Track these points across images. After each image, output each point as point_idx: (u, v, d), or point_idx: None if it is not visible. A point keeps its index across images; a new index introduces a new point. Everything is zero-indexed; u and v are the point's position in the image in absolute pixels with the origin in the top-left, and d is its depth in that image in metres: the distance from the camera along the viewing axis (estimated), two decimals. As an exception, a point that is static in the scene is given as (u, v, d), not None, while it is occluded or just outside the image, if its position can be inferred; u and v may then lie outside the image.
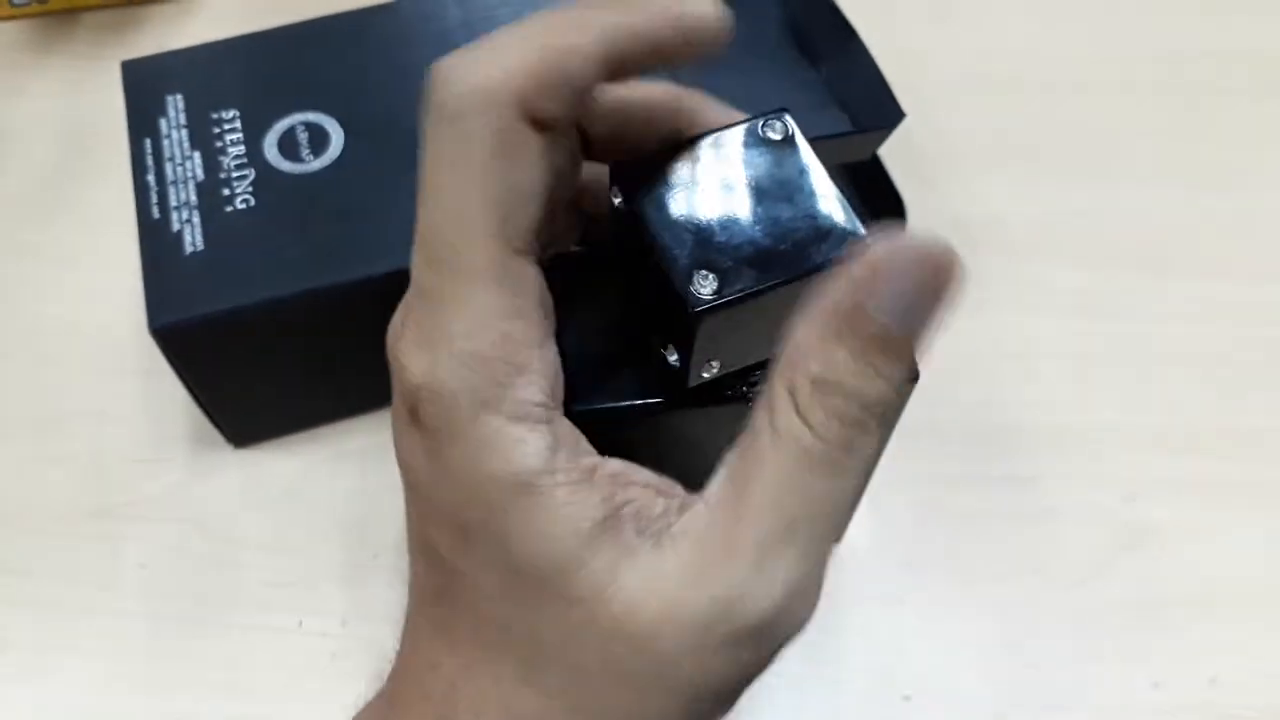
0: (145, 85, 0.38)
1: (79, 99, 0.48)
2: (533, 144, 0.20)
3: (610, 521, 0.19)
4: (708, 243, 0.21)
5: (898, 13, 0.48)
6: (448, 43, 0.38)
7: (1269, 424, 0.39)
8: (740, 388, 0.23)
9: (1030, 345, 0.41)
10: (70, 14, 0.51)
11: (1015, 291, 0.42)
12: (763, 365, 0.21)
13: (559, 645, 0.19)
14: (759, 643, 0.19)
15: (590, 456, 0.20)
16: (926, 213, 0.43)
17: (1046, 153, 0.47)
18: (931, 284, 0.18)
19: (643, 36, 0.20)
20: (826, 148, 0.36)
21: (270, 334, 0.34)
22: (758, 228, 0.21)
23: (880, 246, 0.18)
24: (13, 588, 0.37)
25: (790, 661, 0.34)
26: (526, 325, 0.20)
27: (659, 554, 0.19)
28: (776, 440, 0.19)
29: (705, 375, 0.22)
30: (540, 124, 0.20)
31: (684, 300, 0.20)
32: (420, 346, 0.20)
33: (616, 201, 0.22)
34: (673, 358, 0.22)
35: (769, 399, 0.19)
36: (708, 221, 0.21)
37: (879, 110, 0.37)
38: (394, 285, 0.33)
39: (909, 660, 0.35)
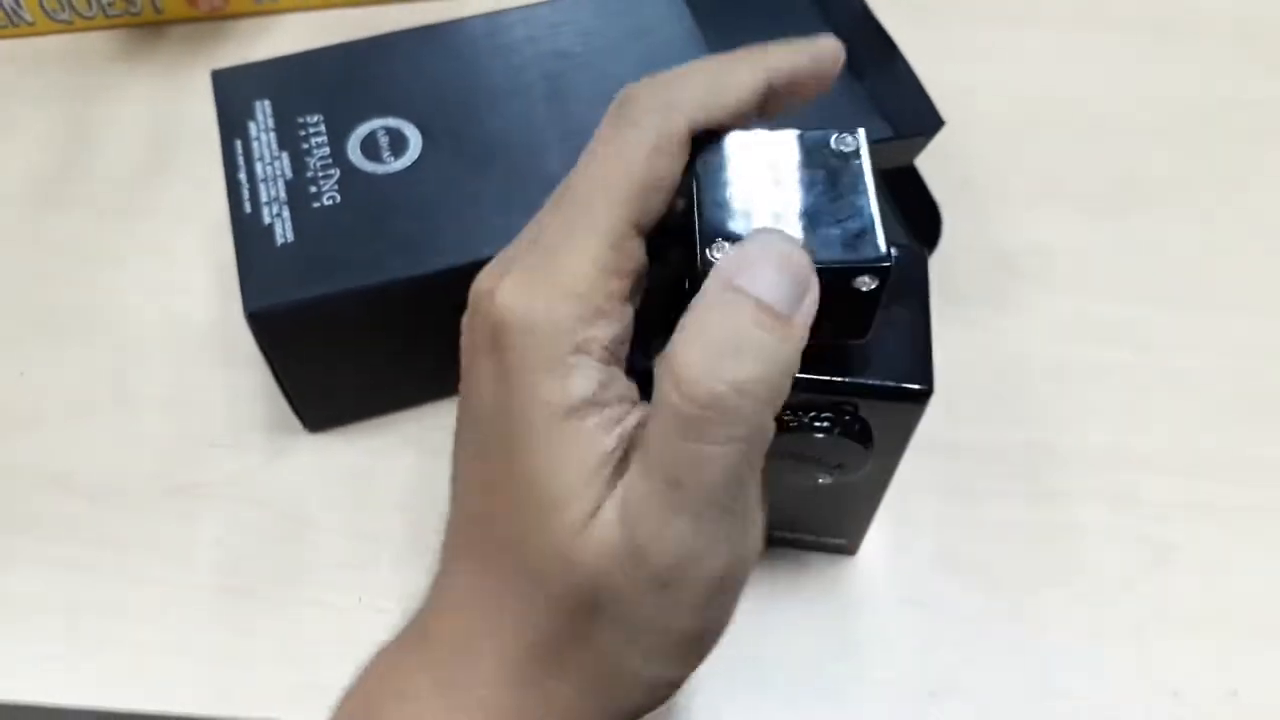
0: (234, 92, 0.41)
1: (163, 106, 0.51)
2: (682, 151, 0.24)
3: (616, 454, 0.22)
4: (739, 218, 0.23)
5: (944, 50, 0.50)
6: (515, 56, 0.41)
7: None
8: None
9: (1064, 369, 0.42)
10: (158, 26, 0.54)
11: (1052, 317, 0.44)
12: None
13: (538, 567, 0.22)
14: (672, 586, 0.22)
15: (633, 400, 0.23)
16: (968, 240, 0.45)
17: (1085, 187, 0.48)
18: (796, 271, 0.22)
19: (789, 73, 0.25)
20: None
21: (352, 321, 0.37)
22: (793, 220, 0.23)
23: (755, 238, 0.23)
24: (96, 559, 0.39)
25: (822, 658, 0.36)
26: (623, 286, 0.23)
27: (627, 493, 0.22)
28: (657, 405, 0.22)
29: None
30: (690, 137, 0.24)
31: (694, 261, 0.23)
32: (523, 285, 0.23)
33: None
34: None
35: (659, 366, 0.22)
36: (749, 202, 0.23)
37: (919, 118, 0.39)
38: (467, 279, 0.36)
39: (933, 660, 0.36)
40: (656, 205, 0.24)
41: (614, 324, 0.23)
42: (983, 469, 0.40)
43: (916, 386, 0.28)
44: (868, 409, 0.28)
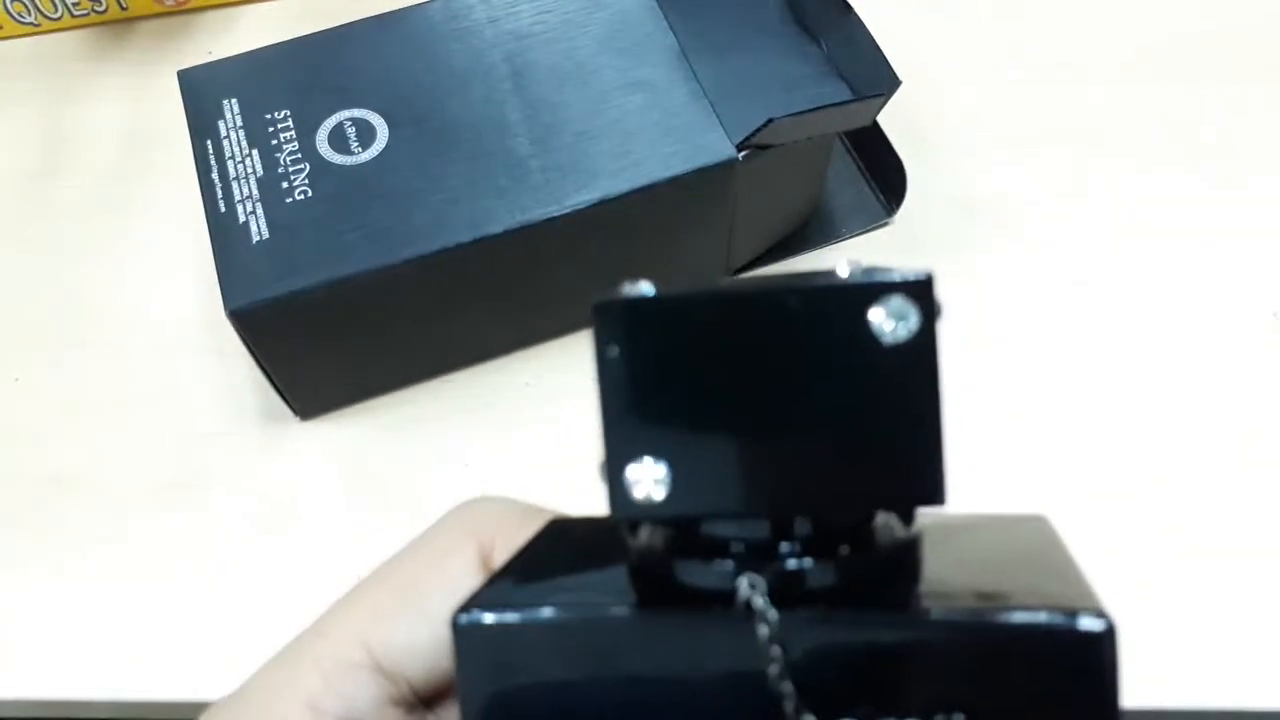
0: (202, 92, 0.42)
1: (135, 104, 0.52)
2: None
3: None
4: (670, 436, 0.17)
5: (893, 4, 0.51)
6: (475, 38, 0.42)
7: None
8: None
9: (1032, 316, 0.43)
10: (125, 23, 0.54)
11: (1018, 265, 0.44)
12: None
13: None
14: None
15: None
16: (930, 188, 0.46)
17: (1047, 133, 0.48)
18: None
19: None
20: (830, 115, 0.39)
21: (333, 311, 0.38)
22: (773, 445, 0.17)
23: None
24: (99, 552, 0.41)
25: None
26: None
27: None
28: None
29: None
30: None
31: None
32: None
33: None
34: None
35: None
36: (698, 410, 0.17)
37: (876, 78, 0.40)
38: (442, 262, 0.37)
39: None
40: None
41: None
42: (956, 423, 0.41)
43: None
44: None
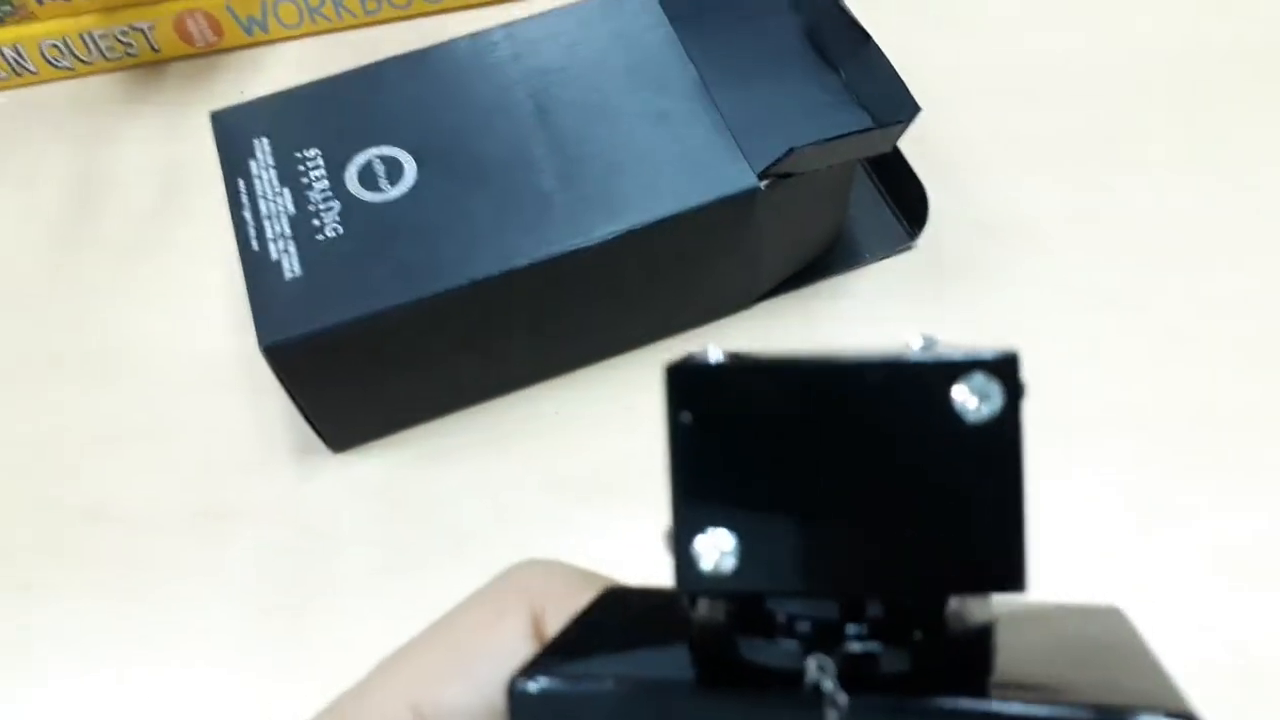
0: (233, 132, 0.43)
1: (169, 144, 0.53)
2: None
3: None
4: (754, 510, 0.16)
5: (914, 24, 0.51)
6: (501, 75, 0.42)
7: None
8: None
9: (1057, 337, 0.43)
10: (156, 65, 0.56)
11: (1041, 287, 0.44)
12: None
13: None
14: None
15: None
16: (952, 212, 0.46)
17: (1066, 154, 0.48)
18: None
19: None
20: (851, 143, 0.40)
21: (365, 346, 0.39)
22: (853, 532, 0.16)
23: None
24: (131, 581, 0.41)
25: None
26: None
27: None
28: None
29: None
30: None
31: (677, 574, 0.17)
32: None
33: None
34: None
35: None
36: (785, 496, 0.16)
37: (896, 105, 0.40)
38: (470, 296, 0.38)
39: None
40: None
41: None
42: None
43: None
44: None
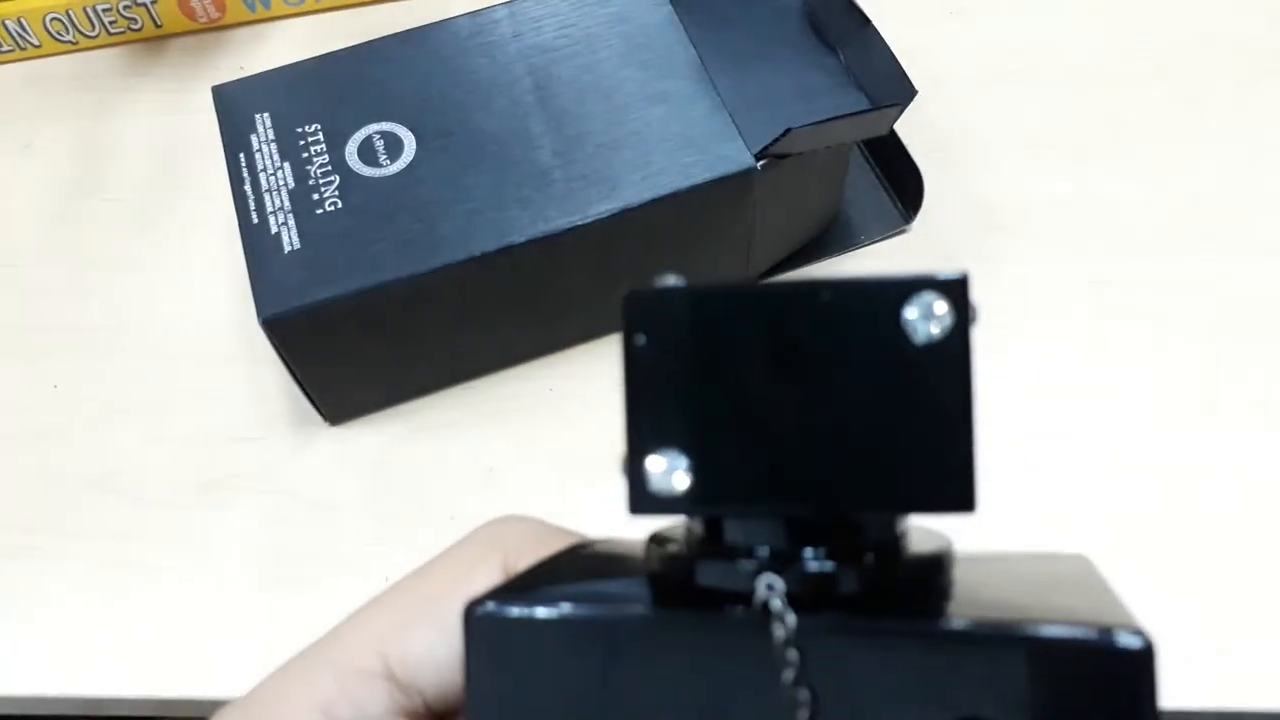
0: (235, 107, 0.43)
1: (170, 119, 0.53)
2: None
3: None
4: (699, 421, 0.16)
5: (913, 8, 0.51)
6: (500, 53, 0.43)
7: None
8: None
9: (1053, 320, 0.44)
10: (159, 40, 0.56)
11: (1037, 270, 0.45)
12: None
13: None
14: None
15: None
16: (947, 195, 0.46)
17: (1062, 139, 0.48)
18: None
19: None
20: (848, 125, 0.40)
21: (363, 320, 0.39)
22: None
23: None
24: (137, 554, 0.42)
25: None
26: None
27: None
28: None
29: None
30: None
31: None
32: None
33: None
34: None
35: None
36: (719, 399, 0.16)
37: (893, 88, 0.41)
38: (468, 271, 0.38)
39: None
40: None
41: None
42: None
43: None
44: None
